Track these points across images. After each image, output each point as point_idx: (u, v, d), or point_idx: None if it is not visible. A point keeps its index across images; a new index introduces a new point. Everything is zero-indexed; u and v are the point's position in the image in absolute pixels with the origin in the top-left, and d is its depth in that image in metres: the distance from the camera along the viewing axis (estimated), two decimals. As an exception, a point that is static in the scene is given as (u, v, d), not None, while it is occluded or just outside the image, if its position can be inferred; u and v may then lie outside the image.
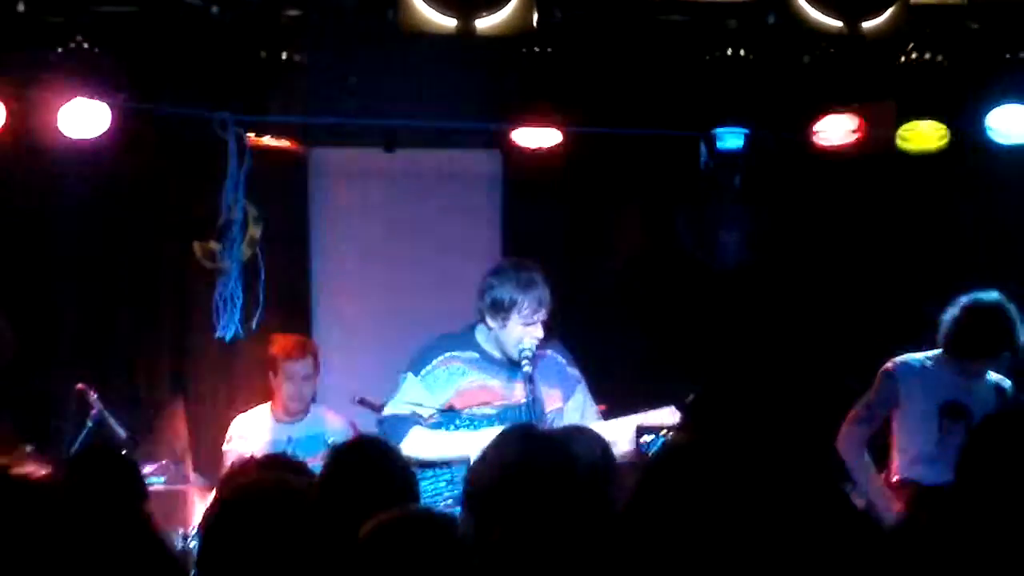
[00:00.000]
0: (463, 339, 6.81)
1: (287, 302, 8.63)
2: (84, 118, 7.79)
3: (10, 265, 8.17)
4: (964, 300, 7.20)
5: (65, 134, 7.81)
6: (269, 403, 8.14)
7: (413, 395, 6.62)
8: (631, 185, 8.78)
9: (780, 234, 8.87)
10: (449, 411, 6.54)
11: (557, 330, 7.03)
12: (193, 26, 7.75)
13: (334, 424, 8.07)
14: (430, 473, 6.40)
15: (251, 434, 7.96)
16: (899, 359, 7.34)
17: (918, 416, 7.26)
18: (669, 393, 6.70)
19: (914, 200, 8.99)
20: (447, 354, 6.72)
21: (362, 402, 7.73)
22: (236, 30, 7.79)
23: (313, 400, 8.19)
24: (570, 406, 6.76)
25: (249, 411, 8.18)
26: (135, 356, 8.73)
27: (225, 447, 7.99)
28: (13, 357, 7.40)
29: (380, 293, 8.87)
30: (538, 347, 6.67)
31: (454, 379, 6.65)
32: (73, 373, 7.88)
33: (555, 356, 6.88)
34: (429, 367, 6.68)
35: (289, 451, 7.68)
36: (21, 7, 7.16)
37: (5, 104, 7.84)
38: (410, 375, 6.69)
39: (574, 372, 6.94)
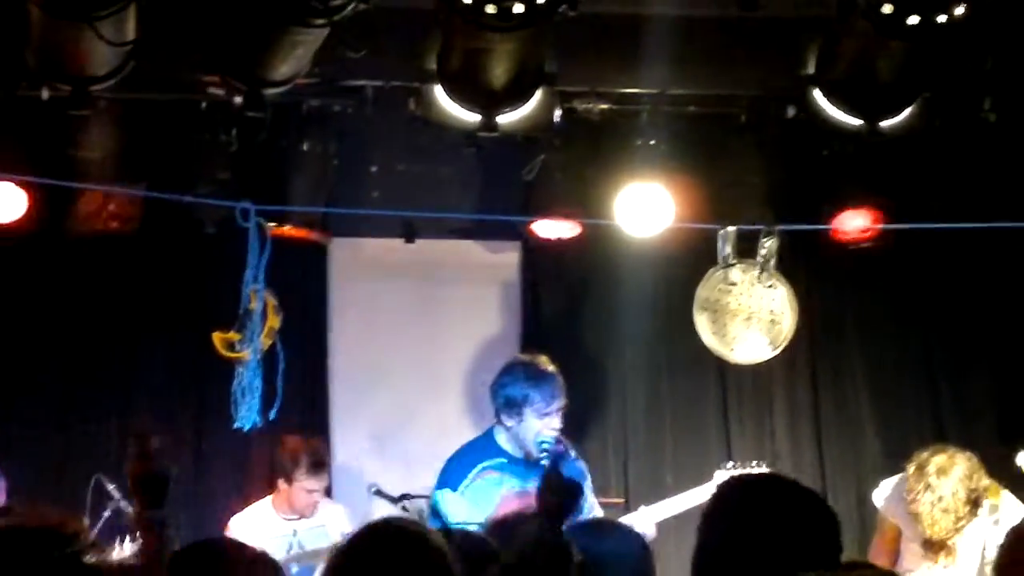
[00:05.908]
0: (487, 446, 6.74)
1: (306, 392, 8.60)
2: (101, 208, 7.83)
3: (25, 355, 8.14)
4: None
5: (83, 224, 7.83)
6: (269, 498, 8.04)
7: (458, 514, 6.48)
8: (649, 277, 8.71)
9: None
10: None
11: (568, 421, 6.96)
12: (214, 117, 7.79)
13: (337, 515, 8.01)
14: None
15: (253, 531, 7.71)
16: None
17: None
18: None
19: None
20: (480, 465, 6.64)
21: (379, 493, 7.67)
22: (258, 120, 7.81)
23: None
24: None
25: (247, 510, 8.04)
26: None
27: None
28: None
29: (399, 383, 8.83)
30: (556, 440, 6.61)
31: (494, 490, 6.55)
32: (90, 463, 7.84)
33: (568, 449, 6.83)
34: (467, 480, 6.59)
35: (295, 544, 7.63)
36: (45, 94, 7.14)
37: (27, 194, 7.86)
38: (447, 492, 6.58)
39: (581, 465, 6.89)
